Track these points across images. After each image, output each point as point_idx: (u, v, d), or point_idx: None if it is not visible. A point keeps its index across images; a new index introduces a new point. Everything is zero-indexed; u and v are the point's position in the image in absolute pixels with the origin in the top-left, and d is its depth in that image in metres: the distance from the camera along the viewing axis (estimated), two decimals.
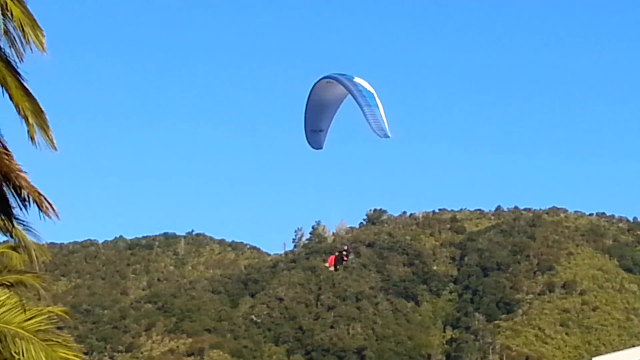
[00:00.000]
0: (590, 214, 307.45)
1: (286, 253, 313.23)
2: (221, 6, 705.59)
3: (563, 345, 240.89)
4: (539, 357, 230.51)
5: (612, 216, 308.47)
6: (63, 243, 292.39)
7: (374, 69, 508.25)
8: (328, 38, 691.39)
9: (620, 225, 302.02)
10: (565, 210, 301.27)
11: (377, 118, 52.07)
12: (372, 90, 52.76)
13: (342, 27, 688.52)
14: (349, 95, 53.26)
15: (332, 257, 59.71)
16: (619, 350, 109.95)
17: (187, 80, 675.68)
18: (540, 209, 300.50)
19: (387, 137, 52.18)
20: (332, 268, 61.66)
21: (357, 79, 52.99)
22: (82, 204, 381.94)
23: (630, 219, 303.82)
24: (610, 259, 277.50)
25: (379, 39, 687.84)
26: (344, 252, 59.52)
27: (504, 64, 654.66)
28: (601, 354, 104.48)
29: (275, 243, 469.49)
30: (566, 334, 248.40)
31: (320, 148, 53.88)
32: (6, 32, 16.60)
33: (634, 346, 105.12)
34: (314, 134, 53.35)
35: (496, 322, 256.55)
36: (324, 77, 53.29)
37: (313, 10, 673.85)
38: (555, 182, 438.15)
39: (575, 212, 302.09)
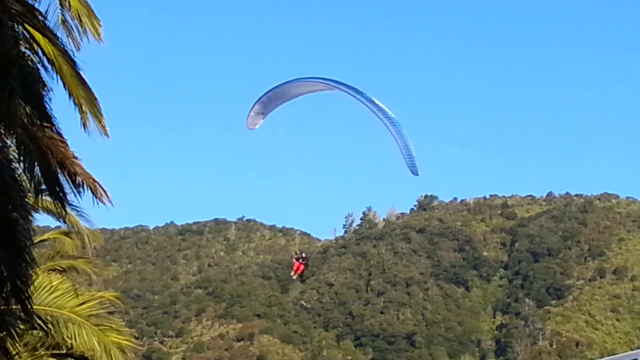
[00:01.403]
0: None
1: (336, 239, 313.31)
2: None
3: (614, 331, 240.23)
4: (589, 343, 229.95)
5: None
6: (114, 229, 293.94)
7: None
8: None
9: None
10: (617, 196, 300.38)
11: (410, 152, 53.88)
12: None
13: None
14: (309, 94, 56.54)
15: (299, 263, 60.88)
16: None
17: (238, 67, 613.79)
18: (591, 195, 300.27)
19: (417, 175, 54.14)
20: (296, 276, 65.36)
21: (377, 102, 54.42)
22: (133, 190, 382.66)
23: None
24: None
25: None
26: (302, 260, 60.81)
27: (551, 46, 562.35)
28: None
29: (326, 229, 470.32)
30: (617, 320, 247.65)
31: (254, 129, 56.01)
32: (63, 21, 16.85)
33: None
34: (258, 116, 55.53)
35: (546, 307, 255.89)
36: (327, 80, 54.78)
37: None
38: (607, 168, 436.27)
39: (627, 197, 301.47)
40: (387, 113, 54.86)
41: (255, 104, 55.35)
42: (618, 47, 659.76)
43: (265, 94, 55.13)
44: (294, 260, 63.36)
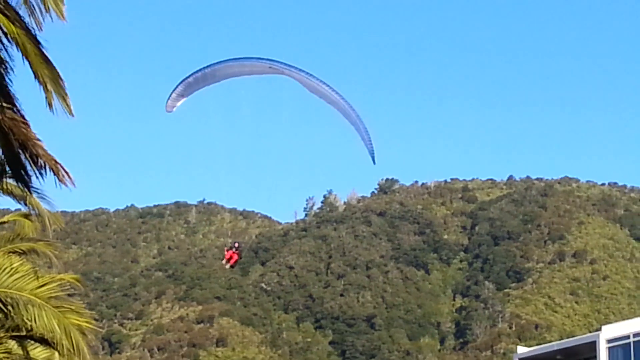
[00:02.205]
0: (602, 184, 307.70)
1: (297, 222, 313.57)
2: None
3: (572, 313, 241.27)
4: (548, 325, 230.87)
5: (624, 186, 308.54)
6: (75, 211, 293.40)
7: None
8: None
9: (632, 195, 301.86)
10: (577, 180, 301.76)
11: (368, 138, 52.91)
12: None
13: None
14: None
15: (232, 252, 58.50)
16: (628, 319, 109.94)
17: (204, 45, 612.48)
18: (552, 179, 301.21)
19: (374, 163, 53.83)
20: (228, 265, 61.91)
21: (327, 88, 52.45)
22: (93, 172, 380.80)
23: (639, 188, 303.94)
24: (621, 229, 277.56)
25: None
26: (234, 249, 58.44)
27: (507, 26, 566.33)
28: (610, 323, 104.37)
29: (287, 212, 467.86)
30: (576, 302, 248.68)
31: (171, 111, 53.79)
32: (26, 1, 16.89)
33: None
34: (179, 98, 52.67)
35: (506, 290, 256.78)
36: (268, 60, 52.43)
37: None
38: (567, 152, 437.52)
39: (587, 182, 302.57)
40: (340, 101, 53.60)
41: (178, 85, 53.02)
42: (573, 25, 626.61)
43: (192, 74, 53.00)
44: (226, 250, 61.31)
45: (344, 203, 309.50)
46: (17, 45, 16.72)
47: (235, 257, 57.66)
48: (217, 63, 52.54)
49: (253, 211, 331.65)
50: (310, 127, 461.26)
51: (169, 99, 52.54)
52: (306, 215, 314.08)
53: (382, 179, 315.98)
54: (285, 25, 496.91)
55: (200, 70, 51.81)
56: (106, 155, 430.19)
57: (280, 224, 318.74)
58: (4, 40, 16.92)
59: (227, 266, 62.43)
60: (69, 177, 18.93)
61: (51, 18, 16.85)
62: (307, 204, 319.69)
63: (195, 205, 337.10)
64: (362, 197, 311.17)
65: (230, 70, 52.98)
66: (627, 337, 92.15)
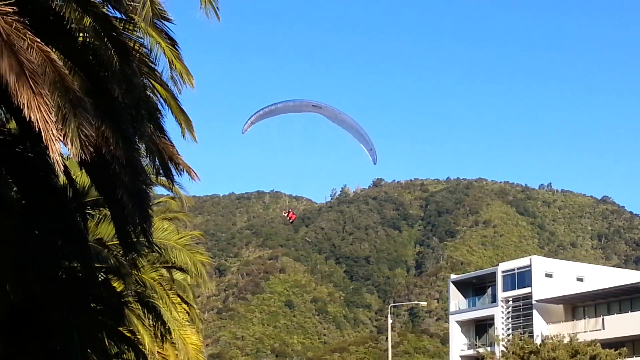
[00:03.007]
0: (500, 182, 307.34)
1: (326, 202, 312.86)
2: None
3: (483, 256, 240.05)
4: (469, 262, 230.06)
5: (512, 183, 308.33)
6: (200, 195, 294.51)
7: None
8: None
9: (517, 187, 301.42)
10: (486, 179, 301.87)
11: (375, 154, 49.60)
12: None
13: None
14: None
15: (291, 214, 55.88)
16: (514, 259, 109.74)
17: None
18: (472, 178, 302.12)
19: (375, 164, 50.33)
20: (290, 221, 58.41)
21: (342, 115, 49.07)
22: (209, 172, 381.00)
23: (523, 185, 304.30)
24: (510, 208, 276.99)
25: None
26: (290, 211, 55.91)
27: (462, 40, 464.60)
28: (504, 262, 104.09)
29: (320, 196, 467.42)
30: (484, 249, 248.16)
31: (244, 133, 48.95)
32: (171, 77, 17.08)
33: (523, 257, 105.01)
34: (251, 125, 48.22)
35: (445, 242, 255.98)
36: (313, 103, 48.83)
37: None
38: (481, 160, 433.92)
39: (492, 180, 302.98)
40: (355, 124, 49.53)
41: (252, 115, 47.96)
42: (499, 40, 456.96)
43: (261, 109, 48.08)
44: (284, 212, 58.97)
45: (353, 192, 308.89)
46: (166, 102, 16.91)
47: (293, 216, 55.85)
48: (279, 102, 48.72)
49: (302, 196, 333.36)
50: (335, 148, 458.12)
51: (245, 124, 48.25)
52: (332, 198, 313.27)
53: (375, 178, 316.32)
54: (283, 24, 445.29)
55: (267, 106, 48.05)
56: (215, 158, 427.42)
57: (316, 203, 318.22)
58: (160, 100, 17.11)
59: (290, 221, 58.70)
60: (197, 176, 19.16)
61: (185, 87, 17.09)
62: (332, 192, 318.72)
63: (269, 192, 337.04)
64: (363, 188, 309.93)
65: (287, 108, 48.79)
66: (513, 270, 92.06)
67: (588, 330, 79.94)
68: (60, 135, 12.36)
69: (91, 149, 12.76)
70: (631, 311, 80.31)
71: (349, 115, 49.16)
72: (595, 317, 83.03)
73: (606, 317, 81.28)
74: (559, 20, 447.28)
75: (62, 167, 12.57)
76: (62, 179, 16.52)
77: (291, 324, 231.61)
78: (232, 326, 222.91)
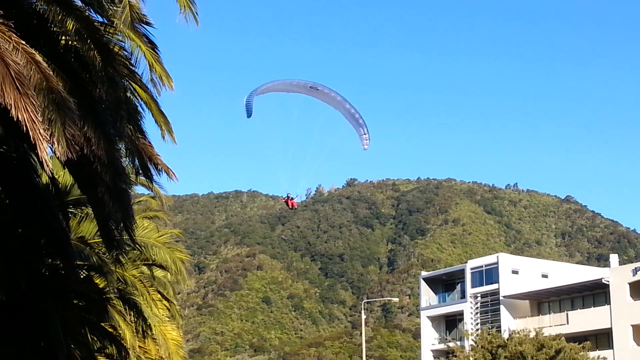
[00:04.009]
0: (469, 182, 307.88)
1: (302, 201, 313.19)
2: None
3: (452, 253, 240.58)
4: (439, 259, 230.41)
5: (480, 183, 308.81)
6: (179, 194, 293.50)
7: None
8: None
9: (485, 187, 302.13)
10: (455, 180, 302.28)
11: (366, 138, 46.97)
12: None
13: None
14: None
15: (290, 200, 51.16)
16: (482, 257, 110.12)
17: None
18: (441, 178, 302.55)
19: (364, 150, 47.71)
20: (291, 207, 53.26)
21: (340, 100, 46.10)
22: (190, 171, 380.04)
23: (490, 185, 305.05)
24: (478, 207, 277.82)
25: None
26: (290, 198, 51.05)
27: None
28: (472, 259, 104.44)
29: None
30: (454, 247, 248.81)
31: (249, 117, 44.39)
32: (151, 79, 16.98)
33: (490, 255, 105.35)
34: (249, 106, 43.62)
35: (415, 240, 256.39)
36: (310, 84, 45.32)
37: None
38: (449, 160, 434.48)
39: (461, 180, 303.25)
40: (351, 109, 46.50)
41: (251, 93, 43.73)
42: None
43: (259, 87, 44.10)
44: (283, 199, 52.67)
45: (328, 191, 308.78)
46: (146, 104, 16.79)
47: (293, 202, 51.06)
48: (275, 80, 44.96)
49: (278, 195, 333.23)
50: (312, 140, 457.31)
51: (247, 105, 43.48)
52: (307, 197, 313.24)
53: (349, 178, 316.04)
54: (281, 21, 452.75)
55: (264, 85, 44.21)
56: (194, 159, 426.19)
57: None
58: (140, 102, 16.99)
59: (290, 207, 52.97)
60: (175, 176, 19.04)
61: (165, 89, 16.98)
62: (307, 191, 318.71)
63: (246, 192, 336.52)
64: (337, 188, 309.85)
65: (283, 87, 45.11)
66: (481, 267, 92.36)
67: (553, 324, 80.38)
68: (47, 135, 12.25)
69: (77, 148, 12.65)
70: (594, 306, 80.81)
71: (347, 99, 46.94)
72: (560, 312, 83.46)
73: (570, 312, 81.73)
74: (518, 23, 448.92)
75: (50, 167, 12.46)
76: (45, 178, 16.38)
77: (269, 319, 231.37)
78: (212, 322, 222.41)
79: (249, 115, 44.15)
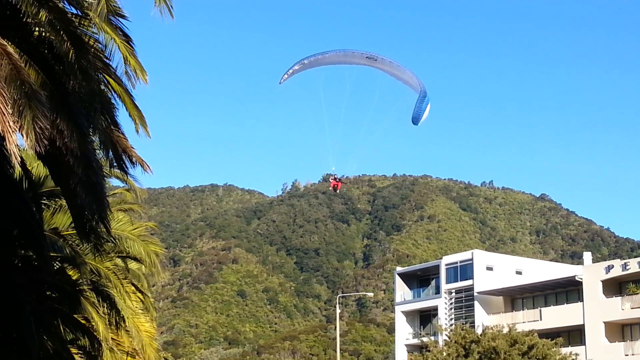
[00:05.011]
0: (445, 179, 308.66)
1: (278, 196, 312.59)
2: None
3: (427, 249, 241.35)
4: (414, 255, 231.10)
5: (456, 180, 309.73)
6: (155, 187, 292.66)
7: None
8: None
9: (460, 184, 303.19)
10: (431, 176, 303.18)
11: (423, 113, 43.99)
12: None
13: None
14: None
15: (335, 182, 48.06)
16: (456, 253, 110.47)
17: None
18: (417, 175, 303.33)
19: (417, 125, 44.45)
20: (335, 190, 50.15)
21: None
22: (163, 164, 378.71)
23: (466, 182, 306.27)
24: (454, 204, 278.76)
25: None
26: (336, 179, 47.92)
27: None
28: (447, 255, 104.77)
29: (272, 190, 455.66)
30: (429, 243, 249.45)
31: (280, 83, 42.14)
32: (126, 72, 16.92)
33: (465, 251, 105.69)
34: (289, 75, 41.61)
35: (391, 236, 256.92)
36: (367, 55, 42.45)
37: None
38: (426, 158, 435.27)
39: (437, 177, 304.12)
40: (413, 77, 43.54)
41: (293, 65, 41.31)
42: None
43: (303, 59, 41.32)
44: (331, 180, 48.72)
45: (304, 186, 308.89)
46: (120, 97, 16.73)
47: (339, 184, 47.37)
48: (327, 51, 42.22)
49: (254, 189, 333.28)
50: (293, 142, 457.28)
51: (284, 74, 41.54)
52: (283, 192, 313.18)
53: (325, 173, 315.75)
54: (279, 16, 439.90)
55: (313, 55, 41.75)
56: (170, 152, 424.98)
57: (268, 197, 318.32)
58: (114, 94, 16.94)
59: (335, 191, 49.15)
60: (149, 168, 19.01)
61: (139, 82, 16.91)
62: (283, 186, 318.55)
63: (222, 185, 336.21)
64: (314, 183, 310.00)
65: (336, 58, 42.16)
66: (456, 263, 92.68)
67: (526, 320, 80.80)
68: (17, 127, 12.19)
69: (46, 142, 12.59)
70: (567, 303, 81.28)
71: (409, 69, 44.50)
72: (533, 308, 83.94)
73: (543, 309, 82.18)
74: (494, 24, 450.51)
75: (19, 159, 12.40)
76: (18, 170, 16.31)
77: (243, 312, 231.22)
78: (186, 314, 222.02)
79: (281, 81, 42.07)
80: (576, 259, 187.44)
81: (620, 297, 75.33)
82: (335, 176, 48.73)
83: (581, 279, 78.55)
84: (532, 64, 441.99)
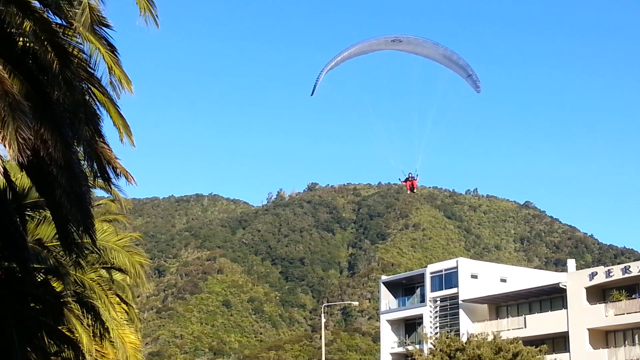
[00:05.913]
0: (429, 187, 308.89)
1: (263, 205, 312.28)
2: None
3: (412, 258, 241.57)
4: (399, 264, 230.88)
5: (441, 188, 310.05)
6: (140, 198, 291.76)
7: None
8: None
9: (445, 193, 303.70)
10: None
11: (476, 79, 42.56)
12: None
13: None
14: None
15: (409, 182, 45.69)
16: (441, 261, 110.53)
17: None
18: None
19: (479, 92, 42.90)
20: (409, 191, 48.59)
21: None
22: (148, 174, 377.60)
23: (450, 190, 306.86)
24: (439, 212, 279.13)
25: None
26: (410, 179, 45.37)
27: None
28: (432, 263, 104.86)
29: (257, 199, 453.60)
30: (414, 252, 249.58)
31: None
32: (110, 82, 16.84)
33: (450, 259, 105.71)
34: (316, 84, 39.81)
35: (376, 245, 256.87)
36: (392, 38, 40.85)
37: None
38: (410, 168, 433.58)
39: (421, 185, 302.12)
40: (448, 52, 42.01)
41: (320, 74, 39.67)
42: None
43: (334, 58, 39.87)
44: (401, 181, 46.49)
45: (289, 196, 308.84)
46: (105, 107, 16.66)
47: (414, 183, 45.04)
48: (351, 46, 40.55)
49: (239, 199, 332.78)
50: (278, 152, 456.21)
51: (316, 84, 39.57)
52: (268, 201, 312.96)
53: (310, 182, 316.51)
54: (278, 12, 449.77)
55: (339, 54, 40.31)
56: (154, 162, 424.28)
57: (253, 206, 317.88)
58: (98, 104, 16.86)
59: (409, 192, 47.52)
60: (133, 179, 18.93)
61: (124, 92, 16.85)
62: (269, 195, 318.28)
63: (207, 195, 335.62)
64: (299, 192, 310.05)
65: (362, 49, 40.64)
66: (441, 271, 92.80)
67: (511, 328, 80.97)
68: None
69: (29, 152, 12.51)
70: (551, 310, 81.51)
71: (440, 43, 42.85)
72: (518, 316, 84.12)
73: (528, 316, 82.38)
74: (479, 28, 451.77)
75: (2, 170, 12.31)
76: (1, 181, 16.21)
77: (229, 322, 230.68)
78: (171, 325, 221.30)
79: (313, 93, 40.66)
80: (560, 266, 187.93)
81: (604, 304, 75.58)
82: (410, 175, 46.66)
83: (565, 286, 78.78)
84: (517, 71, 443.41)
